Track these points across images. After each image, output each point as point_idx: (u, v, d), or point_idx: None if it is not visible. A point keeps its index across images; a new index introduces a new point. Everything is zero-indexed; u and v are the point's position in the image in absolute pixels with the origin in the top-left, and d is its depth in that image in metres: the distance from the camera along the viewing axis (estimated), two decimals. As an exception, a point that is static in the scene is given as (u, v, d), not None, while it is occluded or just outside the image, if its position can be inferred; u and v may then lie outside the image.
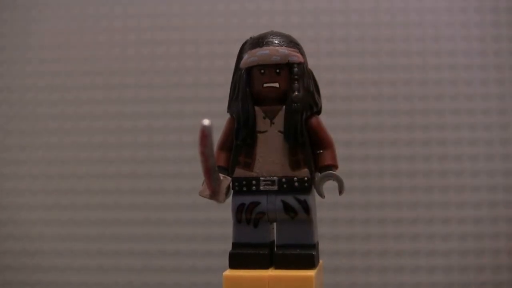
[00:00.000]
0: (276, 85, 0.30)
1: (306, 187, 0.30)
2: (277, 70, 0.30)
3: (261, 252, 0.30)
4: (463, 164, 0.73)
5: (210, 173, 0.27)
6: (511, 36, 0.73)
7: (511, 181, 0.72)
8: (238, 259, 0.30)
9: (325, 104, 0.75)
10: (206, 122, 0.24)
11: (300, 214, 0.30)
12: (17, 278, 0.76)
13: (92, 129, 0.77)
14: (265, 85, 0.30)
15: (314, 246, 0.31)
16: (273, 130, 0.31)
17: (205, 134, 0.25)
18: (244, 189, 0.30)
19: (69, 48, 0.78)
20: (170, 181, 0.75)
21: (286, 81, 0.30)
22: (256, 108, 0.30)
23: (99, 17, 0.78)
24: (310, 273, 0.28)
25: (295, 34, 0.76)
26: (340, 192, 0.30)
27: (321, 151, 0.31)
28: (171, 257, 0.75)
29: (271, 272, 0.29)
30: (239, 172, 0.30)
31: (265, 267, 0.29)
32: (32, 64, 0.78)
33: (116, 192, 0.76)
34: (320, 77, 0.77)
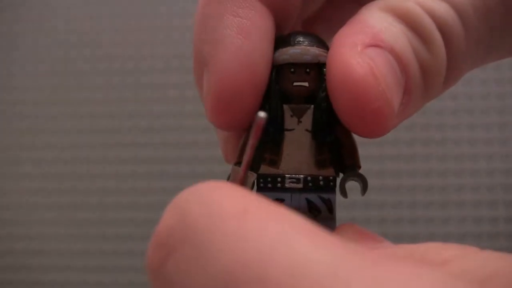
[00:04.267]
0: (306, 84, 0.31)
1: (331, 186, 0.30)
2: (307, 70, 0.30)
3: None
4: (463, 163, 0.73)
5: (248, 167, 0.27)
6: (511, 36, 0.73)
7: (511, 181, 0.72)
8: None
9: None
10: (262, 114, 0.24)
11: (323, 213, 0.30)
12: (17, 278, 0.76)
13: (92, 129, 0.77)
14: (295, 83, 0.30)
15: None
16: (300, 128, 0.31)
17: (260, 127, 0.25)
18: (269, 185, 0.30)
19: (69, 49, 0.78)
20: (170, 181, 0.75)
21: (315, 81, 0.30)
22: (284, 106, 0.30)
23: (99, 17, 0.78)
24: None
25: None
26: (363, 192, 0.30)
27: (345, 151, 0.31)
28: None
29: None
30: (265, 168, 0.30)
31: None
32: (32, 64, 0.78)
33: (116, 192, 0.76)
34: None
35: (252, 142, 0.26)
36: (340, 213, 0.79)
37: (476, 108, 0.73)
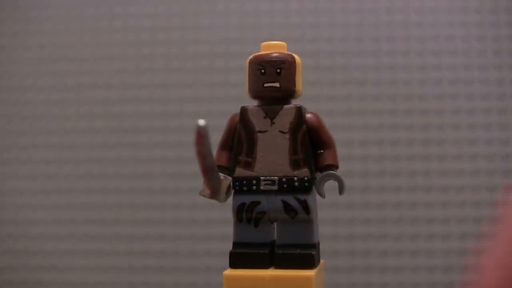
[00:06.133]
0: (277, 84, 0.30)
1: (306, 186, 0.30)
2: (278, 70, 0.30)
3: (261, 251, 0.30)
4: (463, 164, 0.73)
5: (208, 172, 0.27)
6: (511, 36, 0.73)
7: (511, 181, 0.72)
8: (238, 259, 0.30)
9: (325, 104, 0.75)
10: (201, 122, 0.24)
11: (300, 214, 0.30)
12: (17, 278, 0.76)
13: (92, 129, 0.77)
14: (266, 84, 0.30)
15: (314, 246, 0.31)
16: (274, 130, 0.31)
17: (201, 134, 0.25)
18: (245, 188, 0.30)
19: (69, 48, 0.78)
20: (170, 181, 0.75)
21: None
22: (257, 108, 0.30)
23: (99, 17, 0.78)
24: (310, 273, 0.28)
25: (295, 34, 0.76)
26: (341, 192, 0.30)
27: (322, 151, 0.31)
28: (171, 257, 0.75)
29: (271, 272, 0.28)
30: (240, 171, 0.30)
31: (265, 266, 0.29)
32: (32, 64, 0.78)
33: (116, 192, 0.76)
34: (320, 77, 0.77)
35: (197, 149, 0.26)
36: (339, 213, 0.79)
37: (476, 108, 0.73)
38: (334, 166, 0.31)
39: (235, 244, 0.31)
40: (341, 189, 0.30)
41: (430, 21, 0.74)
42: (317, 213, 0.33)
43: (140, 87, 0.77)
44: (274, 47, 0.32)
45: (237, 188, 0.30)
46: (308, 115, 0.31)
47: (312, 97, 0.72)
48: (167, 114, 0.76)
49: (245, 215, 0.30)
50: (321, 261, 0.33)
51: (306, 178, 0.30)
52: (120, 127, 0.76)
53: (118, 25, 0.77)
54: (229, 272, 0.29)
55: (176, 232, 0.75)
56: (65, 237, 0.76)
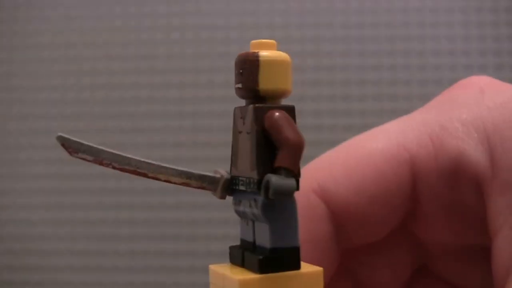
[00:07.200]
0: (240, 85, 0.30)
1: (256, 189, 0.30)
2: (240, 71, 0.30)
3: (239, 249, 0.30)
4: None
5: (132, 172, 0.27)
6: (511, 36, 0.73)
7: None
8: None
9: (325, 104, 0.75)
10: (58, 134, 0.24)
11: (259, 217, 0.30)
12: (17, 278, 0.76)
13: (92, 129, 0.77)
14: (235, 85, 0.30)
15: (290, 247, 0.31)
16: (244, 130, 0.31)
17: (66, 145, 0.24)
18: (234, 187, 0.31)
19: (69, 48, 0.78)
20: (170, 181, 0.75)
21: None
22: (239, 108, 0.30)
23: (99, 17, 0.78)
24: (319, 268, 0.28)
25: (295, 34, 0.76)
26: (267, 196, 0.29)
27: (278, 151, 0.31)
28: (171, 257, 0.75)
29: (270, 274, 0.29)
30: (232, 171, 0.31)
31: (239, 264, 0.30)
32: (32, 64, 0.78)
33: (116, 192, 0.76)
34: (321, 77, 0.77)
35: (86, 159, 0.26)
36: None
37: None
38: (282, 168, 0.30)
39: (240, 240, 0.32)
40: (266, 193, 0.29)
41: (430, 21, 0.74)
42: (280, 215, 0.33)
43: (140, 87, 0.77)
44: (264, 46, 0.32)
45: (232, 187, 0.31)
46: (267, 114, 0.31)
47: (312, 97, 0.72)
48: (167, 114, 0.76)
49: (239, 213, 0.31)
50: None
51: (255, 181, 0.30)
52: (120, 127, 0.76)
53: (118, 25, 0.78)
54: (213, 267, 0.30)
55: (176, 232, 0.75)
56: (65, 237, 0.76)
